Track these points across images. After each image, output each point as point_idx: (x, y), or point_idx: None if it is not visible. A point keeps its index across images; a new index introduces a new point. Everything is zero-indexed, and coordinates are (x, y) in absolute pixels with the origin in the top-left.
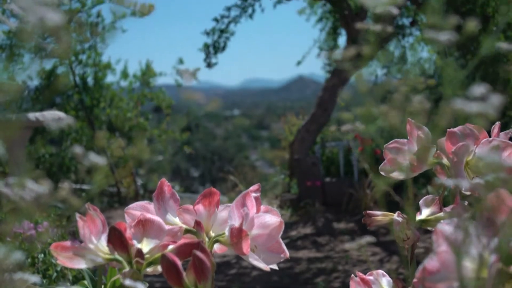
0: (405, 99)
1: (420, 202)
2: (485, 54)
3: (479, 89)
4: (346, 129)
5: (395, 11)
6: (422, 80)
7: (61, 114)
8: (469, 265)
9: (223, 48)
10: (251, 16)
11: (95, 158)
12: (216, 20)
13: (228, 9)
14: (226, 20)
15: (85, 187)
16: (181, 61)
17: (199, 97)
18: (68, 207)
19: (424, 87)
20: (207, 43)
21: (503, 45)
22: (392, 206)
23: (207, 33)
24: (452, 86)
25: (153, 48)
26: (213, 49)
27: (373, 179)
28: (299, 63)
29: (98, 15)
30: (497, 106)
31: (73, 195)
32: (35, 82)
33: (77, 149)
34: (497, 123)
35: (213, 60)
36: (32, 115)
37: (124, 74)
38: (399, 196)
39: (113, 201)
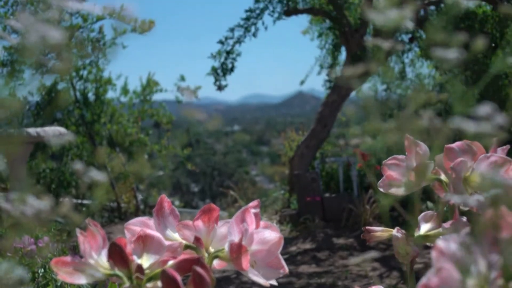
0: (415, 114)
1: (419, 217)
2: (495, 72)
3: (484, 108)
4: (355, 142)
5: (410, 25)
6: (435, 95)
7: (62, 129)
8: (470, 282)
9: (232, 70)
10: (254, 34)
11: (96, 175)
12: (221, 42)
13: (232, 30)
14: (231, 41)
15: (85, 202)
16: (182, 78)
17: (201, 115)
18: (68, 222)
19: (436, 101)
20: (215, 67)
21: (499, 63)
22: (391, 222)
23: (214, 56)
24: (463, 103)
25: (154, 64)
26: (222, 72)
27: (376, 195)
28: (302, 82)
29: (100, 31)
30: (503, 126)
31: (74, 210)
32: (35, 98)
33: (78, 166)
34: (495, 139)
35: (223, 83)
36: (33, 130)
37: (125, 90)
38: (401, 212)
39: (114, 216)
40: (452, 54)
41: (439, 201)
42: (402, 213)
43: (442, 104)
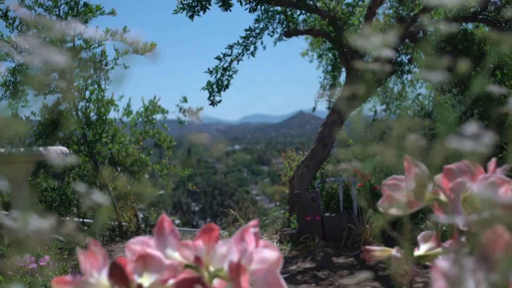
0: (401, 138)
1: (418, 237)
2: (476, 93)
3: (471, 127)
4: (343, 167)
5: (390, 53)
6: (418, 120)
7: (64, 149)
8: None
9: (227, 86)
10: (253, 53)
11: (99, 197)
12: (218, 58)
13: (230, 47)
14: (228, 58)
15: (87, 220)
16: (185, 100)
17: (206, 139)
18: (70, 241)
19: (420, 127)
20: (211, 82)
21: (493, 88)
22: (393, 241)
23: (210, 72)
24: (446, 125)
25: (156, 83)
26: (217, 87)
27: (371, 214)
28: (314, 109)
29: (102, 53)
30: (489, 145)
31: (75, 229)
32: (38, 118)
33: (80, 187)
34: (494, 159)
35: (217, 98)
36: (35, 150)
37: (128, 112)
38: (397, 232)
39: (114, 235)
40: (437, 76)
41: (433, 221)
42: (392, 234)
43: (432, 127)
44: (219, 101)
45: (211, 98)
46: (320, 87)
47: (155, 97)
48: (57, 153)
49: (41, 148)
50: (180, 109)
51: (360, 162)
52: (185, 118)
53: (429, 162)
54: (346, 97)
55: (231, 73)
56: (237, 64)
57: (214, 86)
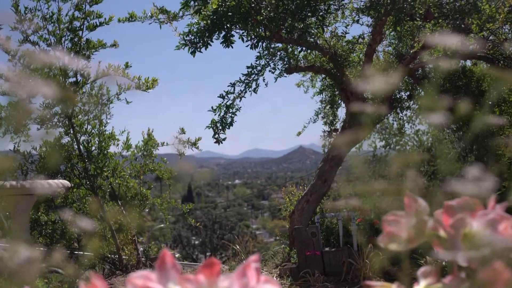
0: (400, 174)
1: (418, 272)
2: (476, 130)
3: (472, 170)
4: (339, 204)
5: (388, 93)
6: (416, 157)
7: (65, 182)
8: None
9: (231, 124)
10: (255, 90)
11: (86, 225)
12: (221, 97)
13: (233, 85)
14: (231, 96)
15: (87, 253)
16: (183, 131)
17: (192, 168)
18: (68, 273)
19: (419, 161)
20: (215, 120)
21: (493, 120)
22: (393, 276)
23: (214, 110)
24: (446, 163)
25: (159, 118)
26: (221, 126)
27: (371, 249)
28: (299, 134)
29: (100, 87)
30: (490, 189)
31: (75, 261)
32: (40, 151)
33: (68, 215)
34: (493, 196)
35: (222, 136)
36: (38, 183)
37: (127, 146)
38: (396, 267)
39: (115, 268)
40: (437, 117)
41: (434, 259)
42: (391, 270)
43: (430, 163)
44: (224, 139)
45: (216, 136)
46: (320, 117)
47: (149, 129)
48: (40, 185)
49: (43, 181)
50: (180, 141)
51: (358, 199)
52: (184, 150)
53: (429, 200)
54: (345, 132)
55: (234, 110)
56: (240, 101)
57: (218, 125)
